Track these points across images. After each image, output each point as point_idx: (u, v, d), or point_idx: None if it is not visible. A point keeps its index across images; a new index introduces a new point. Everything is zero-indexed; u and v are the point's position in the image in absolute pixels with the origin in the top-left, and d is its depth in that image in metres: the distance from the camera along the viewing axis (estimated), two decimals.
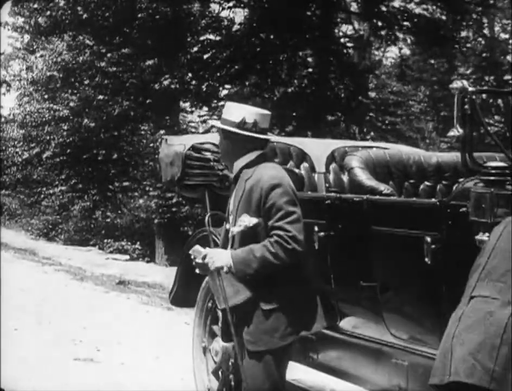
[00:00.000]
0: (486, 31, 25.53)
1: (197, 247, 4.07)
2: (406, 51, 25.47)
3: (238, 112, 4.08)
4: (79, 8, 19.90)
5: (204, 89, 20.34)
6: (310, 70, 20.24)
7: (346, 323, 5.02)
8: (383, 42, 22.79)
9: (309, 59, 20.55)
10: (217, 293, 4.02)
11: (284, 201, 3.88)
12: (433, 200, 4.56)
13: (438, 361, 3.13)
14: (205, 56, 20.09)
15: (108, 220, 23.71)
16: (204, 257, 3.98)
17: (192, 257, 4.10)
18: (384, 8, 19.96)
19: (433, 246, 4.02)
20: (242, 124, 4.04)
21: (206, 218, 4.15)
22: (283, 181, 3.94)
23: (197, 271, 4.13)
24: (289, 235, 3.81)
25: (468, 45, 24.47)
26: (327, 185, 5.78)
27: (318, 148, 6.07)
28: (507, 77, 23.23)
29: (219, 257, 3.92)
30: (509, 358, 2.89)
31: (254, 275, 3.85)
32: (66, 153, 22.67)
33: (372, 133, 21.01)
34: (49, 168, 24.41)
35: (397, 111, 22.32)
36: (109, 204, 24.16)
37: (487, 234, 3.63)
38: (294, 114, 19.38)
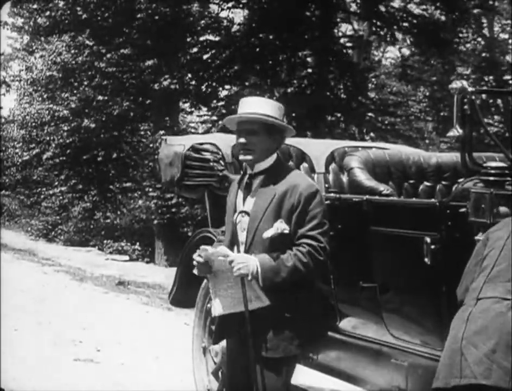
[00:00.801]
0: (485, 31, 25.54)
1: (223, 248, 3.88)
2: (406, 51, 25.49)
3: (277, 109, 3.98)
4: (78, 8, 19.90)
5: (204, 90, 20.34)
6: (310, 70, 20.25)
7: (346, 323, 5.02)
8: (383, 42, 22.80)
9: (309, 59, 20.55)
10: (222, 297, 3.94)
11: (320, 211, 3.85)
12: (433, 200, 4.56)
13: (443, 364, 3.10)
14: (205, 57, 20.10)
15: (108, 220, 23.71)
16: (230, 262, 3.79)
17: (199, 256, 3.91)
18: (383, 9, 19.96)
19: (433, 246, 4.02)
20: (282, 119, 3.98)
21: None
22: (319, 190, 3.93)
23: (195, 271, 4.01)
24: (321, 246, 3.79)
25: (468, 45, 24.48)
26: (326, 185, 5.78)
27: (318, 148, 6.06)
28: (506, 77, 23.25)
29: (246, 264, 3.75)
30: None
31: (281, 283, 3.77)
32: (66, 154, 22.67)
33: (371, 134, 21.02)
34: (49, 169, 24.42)
35: (397, 111, 22.31)
36: (109, 205, 24.16)
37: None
38: (293, 114, 19.37)
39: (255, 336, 3.82)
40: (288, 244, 3.80)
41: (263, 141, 3.89)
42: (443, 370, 3.10)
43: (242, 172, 4.19)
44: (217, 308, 3.96)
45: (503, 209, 3.65)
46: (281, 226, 3.80)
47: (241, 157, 3.96)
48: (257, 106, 3.94)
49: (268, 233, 3.81)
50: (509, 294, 3.03)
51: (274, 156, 3.96)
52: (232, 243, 3.96)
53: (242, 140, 3.91)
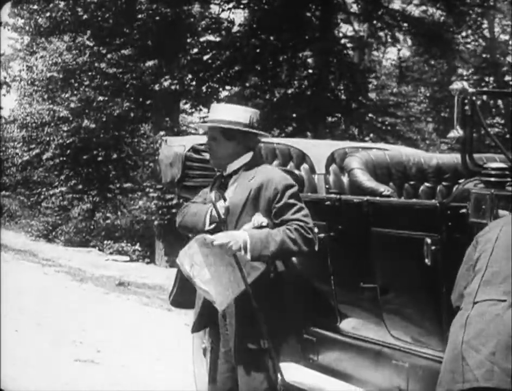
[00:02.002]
0: (486, 32, 25.55)
1: (205, 235, 3.92)
2: (406, 52, 25.50)
3: (242, 113, 4.09)
4: (79, 9, 19.91)
5: (204, 91, 20.36)
6: (310, 71, 20.26)
7: (346, 324, 5.02)
8: (383, 43, 22.80)
9: (309, 60, 20.56)
10: (216, 289, 3.96)
11: (298, 199, 4.01)
12: (433, 201, 4.56)
13: (445, 370, 3.10)
14: (205, 57, 20.11)
15: (108, 221, 23.69)
16: (220, 244, 3.85)
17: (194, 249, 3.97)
18: (384, 10, 19.97)
19: (433, 247, 4.02)
20: (251, 124, 4.07)
21: (213, 195, 4.02)
22: (295, 184, 4.07)
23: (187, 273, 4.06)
24: (308, 226, 3.93)
25: (468, 46, 24.48)
26: (327, 186, 5.78)
27: (318, 149, 6.07)
28: (507, 78, 23.25)
29: (236, 238, 3.84)
30: None
31: (270, 257, 3.88)
32: (66, 154, 22.67)
33: (371, 135, 21.02)
34: (49, 169, 24.42)
35: (397, 112, 22.32)
36: (109, 205, 24.16)
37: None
38: (294, 115, 19.40)
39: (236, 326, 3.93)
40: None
41: (222, 146, 4.07)
42: (445, 376, 3.10)
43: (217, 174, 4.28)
44: (218, 299, 3.94)
45: (502, 212, 3.66)
46: (259, 219, 3.93)
47: (211, 164, 4.23)
48: (220, 113, 4.10)
49: (247, 226, 3.93)
50: (504, 295, 3.02)
51: (248, 156, 4.10)
52: None
53: (207, 149, 4.19)
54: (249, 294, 3.85)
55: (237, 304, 3.92)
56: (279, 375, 4.05)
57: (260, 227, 3.91)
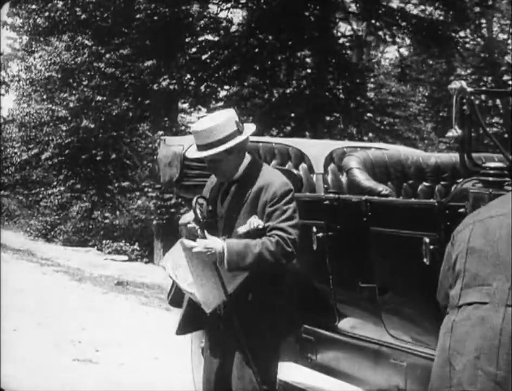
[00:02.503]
0: (484, 32, 25.55)
1: (185, 240, 3.94)
2: (405, 51, 25.51)
3: (228, 121, 3.98)
4: (77, 9, 19.91)
5: (203, 90, 20.36)
6: (308, 71, 20.27)
7: (345, 324, 5.02)
8: (382, 42, 22.80)
9: (308, 60, 20.56)
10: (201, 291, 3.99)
11: (291, 207, 3.93)
12: (432, 200, 4.56)
13: (435, 375, 3.10)
14: (204, 57, 20.12)
15: (107, 221, 23.71)
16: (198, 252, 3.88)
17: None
18: (382, 9, 19.97)
19: (432, 246, 4.02)
20: (241, 130, 4.02)
21: (194, 201, 4.03)
22: (293, 189, 4.02)
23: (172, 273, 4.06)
24: (290, 238, 3.87)
25: (467, 46, 24.48)
26: (325, 186, 5.78)
27: (317, 149, 6.06)
28: (506, 77, 23.26)
29: (213, 248, 3.84)
30: (509, 361, 2.88)
31: (246, 268, 3.86)
32: (65, 154, 22.68)
33: (370, 134, 21.03)
34: (48, 169, 24.43)
35: (396, 112, 22.33)
36: (107, 205, 24.16)
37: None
38: (292, 114, 19.39)
39: (230, 326, 3.92)
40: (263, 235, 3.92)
41: (229, 162, 4.01)
42: (435, 382, 3.09)
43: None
44: (204, 302, 3.96)
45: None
46: (255, 222, 3.90)
47: (218, 179, 4.12)
48: (211, 133, 3.94)
49: (243, 229, 3.92)
50: (486, 297, 3.01)
51: (247, 159, 4.07)
52: None
53: (212, 169, 4.08)
54: (230, 303, 3.87)
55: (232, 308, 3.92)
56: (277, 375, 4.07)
57: (256, 229, 3.89)
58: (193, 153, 4.09)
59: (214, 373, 4.13)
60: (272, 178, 3.99)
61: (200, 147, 3.98)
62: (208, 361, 4.20)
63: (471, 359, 2.93)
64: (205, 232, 3.91)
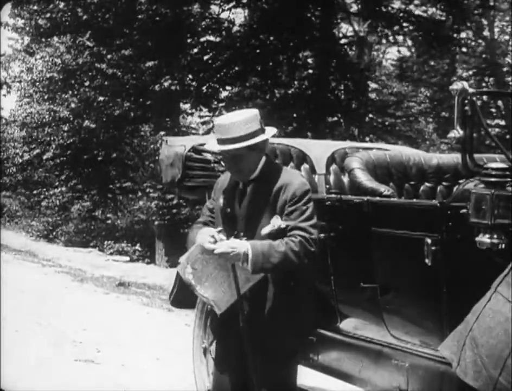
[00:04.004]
0: (486, 33, 25.55)
1: (206, 243, 3.87)
2: (406, 52, 25.51)
3: (252, 118, 4.00)
4: (79, 9, 19.92)
5: (205, 91, 20.36)
6: (310, 71, 20.27)
7: (347, 324, 5.02)
8: (383, 42, 22.81)
9: (310, 60, 20.57)
10: (216, 293, 3.97)
11: (310, 207, 3.95)
12: (434, 201, 4.55)
13: (452, 337, 3.10)
14: (205, 58, 20.12)
15: (109, 221, 23.72)
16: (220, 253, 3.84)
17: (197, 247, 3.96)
18: (384, 9, 19.97)
19: (434, 247, 4.02)
20: (264, 129, 4.05)
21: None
22: (310, 189, 4.04)
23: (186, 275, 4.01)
24: (312, 237, 3.88)
25: (469, 46, 24.49)
26: (327, 186, 5.78)
27: (318, 149, 6.06)
28: (507, 78, 23.26)
29: (236, 250, 3.80)
30: None
31: (270, 269, 3.85)
32: (67, 154, 22.69)
33: (372, 135, 21.03)
34: (49, 169, 24.44)
35: (397, 112, 22.32)
36: (109, 205, 24.17)
37: (487, 235, 3.63)
38: (294, 115, 19.40)
39: (250, 326, 3.89)
40: (284, 235, 3.91)
41: (249, 159, 3.98)
42: (453, 341, 3.10)
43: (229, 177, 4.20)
44: (217, 303, 3.95)
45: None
46: (277, 222, 3.89)
47: (234, 178, 4.06)
48: (236, 128, 3.93)
49: (266, 230, 3.90)
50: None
51: (263, 160, 4.06)
52: None
53: (230, 165, 4.01)
54: (240, 304, 3.87)
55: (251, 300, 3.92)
56: None
57: (278, 230, 3.88)
58: (214, 146, 4.03)
59: (228, 376, 4.11)
60: (290, 178, 3.99)
61: (223, 141, 3.94)
62: (221, 352, 4.20)
63: (482, 356, 2.94)
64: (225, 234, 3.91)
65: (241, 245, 3.82)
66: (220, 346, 4.29)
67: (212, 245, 3.85)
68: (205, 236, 3.90)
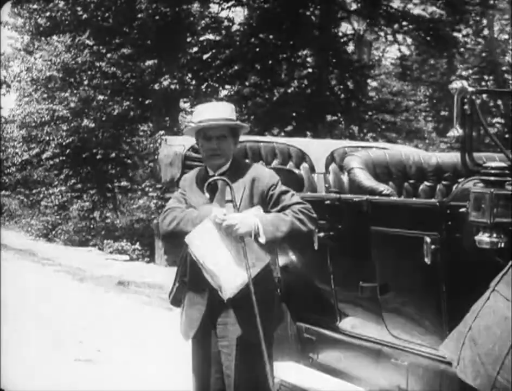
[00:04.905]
0: (485, 32, 25.54)
1: (218, 213, 3.86)
2: (406, 51, 25.50)
3: (232, 109, 4.12)
4: (78, 8, 19.91)
5: (204, 90, 20.34)
6: (310, 70, 20.25)
7: (346, 323, 5.03)
8: (383, 41, 22.80)
9: (309, 59, 20.56)
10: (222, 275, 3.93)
11: (288, 190, 4.05)
12: (433, 200, 4.56)
13: (452, 337, 3.11)
14: (205, 56, 20.10)
15: (108, 220, 23.72)
16: (229, 225, 3.84)
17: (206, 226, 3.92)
18: (383, 8, 19.95)
19: (433, 246, 4.02)
20: (236, 119, 4.15)
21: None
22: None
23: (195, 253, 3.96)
24: (308, 207, 3.98)
25: (468, 45, 24.47)
26: (326, 185, 5.79)
27: (318, 148, 6.07)
28: (506, 77, 23.25)
29: (246, 221, 3.84)
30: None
31: (282, 238, 3.91)
32: (66, 153, 22.68)
33: (371, 133, 21.01)
34: (49, 169, 24.44)
35: (397, 111, 22.30)
36: (108, 205, 24.17)
37: (487, 234, 3.64)
38: (293, 114, 19.37)
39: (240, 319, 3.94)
40: None
41: (230, 144, 4.08)
42: (452, 341, 3.10)
43: (196, 173, 4.22)
44: (225, 287, 3.89)
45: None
46: (260, 212, 3.93)
47: (213, 162, 4.07)
48: (220, 111, 4.07)
49: (254, 212, 3.93)
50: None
51: (232, 154, 4.15)
52: None
53: (213, 145, 4.04)
54: (250, 286, 3.84)
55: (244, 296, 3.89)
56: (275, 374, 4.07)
57: None
58: (202, 123, 4.03)
59: (208, 369, 4.19)
60: (260, 171, 4.09)
61: (210, 120, 4.01)
62: (199, 363, 4.24)
63: (481, 354, 2.94)
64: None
65: (250, 218, 3.86)
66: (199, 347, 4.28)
67: (223, 216, 3.85)
68: (213, 211, 3.89)
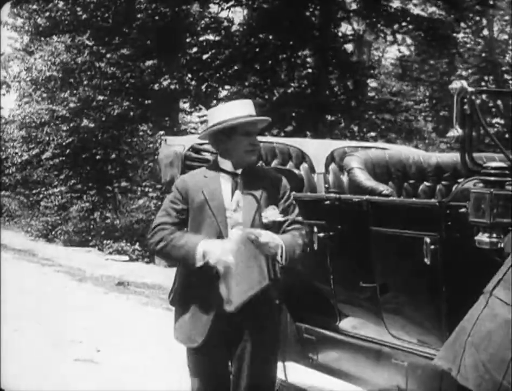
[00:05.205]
0: (485, 32, 25.55)
1: (252, 230, 3.88)
2: (405, 51, 25.50)
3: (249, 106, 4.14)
4: (78, 9, 19.92)
5: (204, 90, 20.35)
6: (309, 70, 20.26)
7: (346, 323, 5.02)
8: (383, 41, 22.80)
9: (309, 59, 20.55)
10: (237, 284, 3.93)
11: (295, 204, 4.11)
12: (433, 200, 4.55)
13: (447, 346, 3.10)
14: (205, 57, 20.11)
15: (108, 221, 23.70)
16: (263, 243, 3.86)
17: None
18: (383, 8, 19.96)
19: (433, 246, 4.02)
20: None
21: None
22: None
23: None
24: (306, 231, 4.09)
25: (468, 45, 24.47)
26: (326, 185, 5.78)
27: (318, 148, 6.06)
28: (506, 77, 23.25)
29: (276, 242, 3.87)
30: None
31: (295, 261, 3.97)
32: (66, 154, 22.67)
33: (371, 133, 21.00)
34: (48, 169, 24.41)
35: (397, 111, 22.29)
36: (108, 205, 24.16)
37: (486, 234, 3.63)
38: (293, 114, 19.37)
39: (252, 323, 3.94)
40: (279, 228, 4.00)
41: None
42: (448, 350, 3.09)
43: (207, 170, 4.16)
44: (232, 300, 3.91)
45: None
46: (275, 213, 3.97)
47: (253, 157, 4.07)
48: (253, 108, 4.12)
49: (270, 217, 3.95)
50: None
51: None
52: (218, 238, 3.95)
53: (255, 141, 4.08)
54: (272, 291, 3.96)
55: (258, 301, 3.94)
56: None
57: (274, 222, 3.96)
58: (247, 118, 4.04)
59: (216, 372, 4.16)
60: (276, 175, 4.13)
61: (246, 117, 4.03)
62: (204, 362, 4.24)
63: (484, 360, 2.92)
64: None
65: (277, 238, 3.90)
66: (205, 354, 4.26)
67: (258, 231, 3.86)
68: (244, 230, 3.89)
